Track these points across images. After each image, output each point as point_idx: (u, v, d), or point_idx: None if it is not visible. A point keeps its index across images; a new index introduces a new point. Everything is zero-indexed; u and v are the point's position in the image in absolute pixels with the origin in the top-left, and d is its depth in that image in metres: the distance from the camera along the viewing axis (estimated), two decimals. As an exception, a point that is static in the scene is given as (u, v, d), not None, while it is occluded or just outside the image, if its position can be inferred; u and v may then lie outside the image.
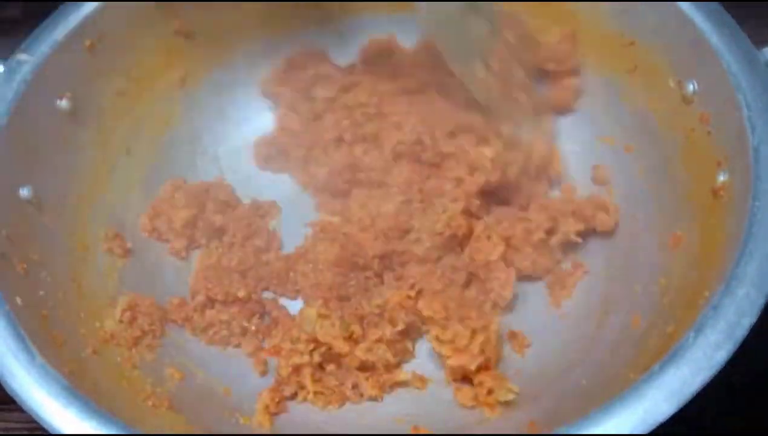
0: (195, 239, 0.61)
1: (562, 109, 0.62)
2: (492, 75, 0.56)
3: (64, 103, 0.54)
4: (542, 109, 0.60)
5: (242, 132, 0.66)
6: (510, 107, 0.58)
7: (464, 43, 0.54)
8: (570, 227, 0.56)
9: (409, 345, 0.54)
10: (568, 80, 0.61)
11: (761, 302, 0.40)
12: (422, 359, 0.55)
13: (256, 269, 0.59)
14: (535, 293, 0.57)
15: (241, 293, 0.56)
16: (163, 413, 0.48)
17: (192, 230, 0.60)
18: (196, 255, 0.61)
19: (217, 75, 0.65)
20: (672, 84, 0.53)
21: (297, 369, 0.52)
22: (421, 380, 0.53)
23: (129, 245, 0.58)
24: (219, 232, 0.60)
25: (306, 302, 0.56)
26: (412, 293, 0.53)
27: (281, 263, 0.59)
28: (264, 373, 0.54)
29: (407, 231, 0.56)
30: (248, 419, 0.51)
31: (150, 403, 0.49)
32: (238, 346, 0.56)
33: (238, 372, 0.55)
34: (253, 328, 0.56)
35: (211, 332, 0.56)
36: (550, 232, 0.56)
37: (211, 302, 0.57)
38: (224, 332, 0.56)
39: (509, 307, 0.55)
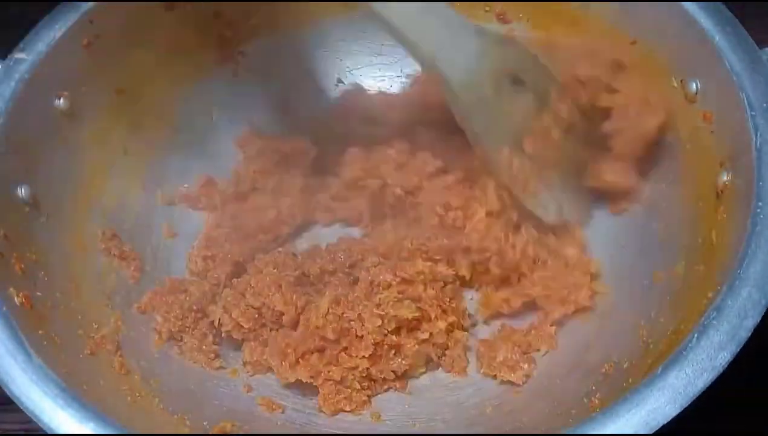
0: None
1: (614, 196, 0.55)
2: (525, 159, 0.47)
3: (61, 102, 0.54)
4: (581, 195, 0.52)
5: (241, 131, 0.65)
6: (540, 193, 0.49)
7: (499, 124, 0.44)
8: None
9: None
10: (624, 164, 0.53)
11: (764, 303, 0.39)
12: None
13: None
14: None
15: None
16: (160, 413, 0.48)
17: None
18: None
19: (215, 74, 0.64)
20: (675, 83, 0.52)
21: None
22: None
23: (126, 245, 0.58)
24: None
25: None
26: None
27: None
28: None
29: None
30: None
31: (147, 403, 0.48)
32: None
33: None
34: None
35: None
36: None
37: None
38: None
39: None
